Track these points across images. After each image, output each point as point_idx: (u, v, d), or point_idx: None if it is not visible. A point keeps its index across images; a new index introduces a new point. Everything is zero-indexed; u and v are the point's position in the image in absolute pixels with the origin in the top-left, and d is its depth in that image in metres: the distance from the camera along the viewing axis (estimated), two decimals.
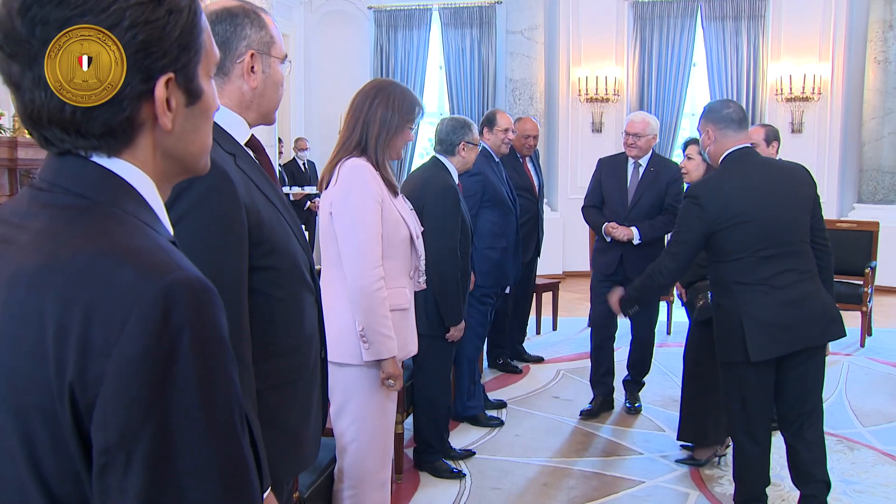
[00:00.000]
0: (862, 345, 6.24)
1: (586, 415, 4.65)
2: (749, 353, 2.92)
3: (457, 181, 3.80)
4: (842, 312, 3.11)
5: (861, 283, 6.22)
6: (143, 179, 0.90)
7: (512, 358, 5.74)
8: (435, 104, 10.33)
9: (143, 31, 0.84)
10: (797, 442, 3.09)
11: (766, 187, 3.00)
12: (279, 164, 8.78)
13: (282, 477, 1.68)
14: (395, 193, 2.64)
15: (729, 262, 2.99)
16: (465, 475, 3.85)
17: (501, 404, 4.85)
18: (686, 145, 4.16)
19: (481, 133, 4.68)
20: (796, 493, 3.22)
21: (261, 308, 1.56)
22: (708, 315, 3.23)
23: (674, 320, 6.70)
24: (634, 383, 4.87)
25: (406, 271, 2.71)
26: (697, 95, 9.81)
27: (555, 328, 6.82)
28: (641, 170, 4.64)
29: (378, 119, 2.55)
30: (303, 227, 1.77)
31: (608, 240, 4.60)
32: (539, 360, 5.89)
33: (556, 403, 4.96)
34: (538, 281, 6.19)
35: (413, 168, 9.74)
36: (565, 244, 9.40)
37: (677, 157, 9.32)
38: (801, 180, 3.08)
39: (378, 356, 2.54)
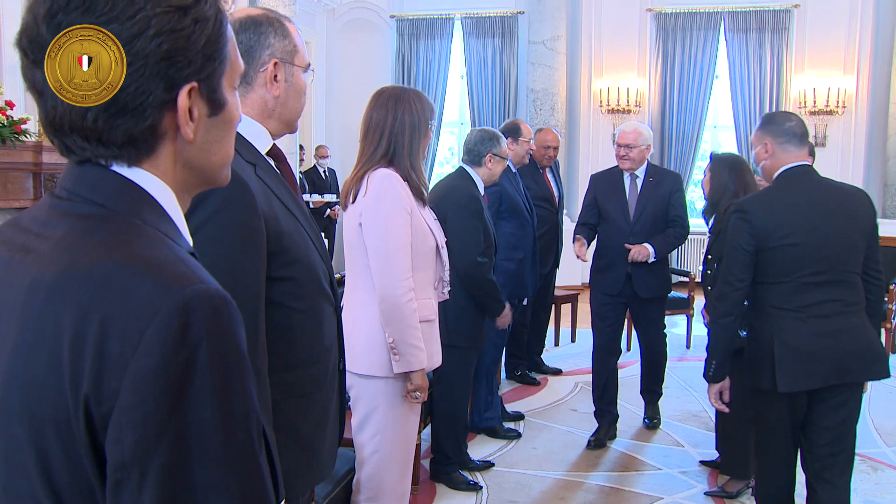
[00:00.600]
0: None
1: (594, 445, 4.41)
2: (777, 383, 2.72)
3: (482, 192, 3.78)
4: None
5: (885, 300, 6.13)
6: (163, 190, 0.88)
7: (530, 369, 5.71)
8: (456, 113, 10.32)
9: (169, 40, 0.83)
10: (817, 482, 2.82)
11: (822, 209, 2.74)
12: (300, 172, 8.83)
13: (298, 489, 1.67)
14: (423, 203, 2.62)
15: (771, 284, 2.75)
16: (481, 487, 3.82)
17: (519, 416, 4.82)
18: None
19: None
20: None
21: (279, 319, 1.55)
22: (740, 345, 3.04)
23: (693, 334, 6.62)
24: (652, 392, 4.74)
25: (432, 282, 2.69)
26: (720, 108, 9.76)
27: (573, 340, 6.78)
28: (639, 181, 4.41)
29: (407, 127, 2.53)
30: (322, 234, 1.76)
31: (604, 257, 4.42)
32: (557, 371, 5.86)
33: (573, 416, 4.92)
34: (557, 292, 6.15)
35: (434, 175, 9.84)
36: None
37: (699, 169, 9.30)
38: (862, 205, 2.82)
39: (409, 368, 2.51)
